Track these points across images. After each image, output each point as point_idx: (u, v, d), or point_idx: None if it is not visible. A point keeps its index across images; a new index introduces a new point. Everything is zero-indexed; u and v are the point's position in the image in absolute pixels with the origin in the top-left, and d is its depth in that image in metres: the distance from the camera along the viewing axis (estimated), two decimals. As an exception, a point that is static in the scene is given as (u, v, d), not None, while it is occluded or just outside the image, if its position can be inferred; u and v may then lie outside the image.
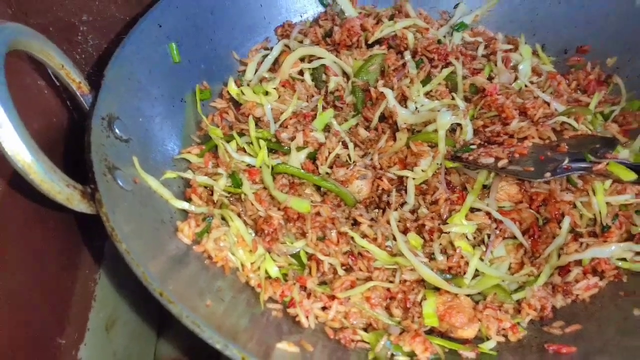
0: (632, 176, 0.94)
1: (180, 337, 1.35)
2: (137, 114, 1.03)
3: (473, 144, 1.12)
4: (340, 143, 1.15)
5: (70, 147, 1.01)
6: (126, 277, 1.20)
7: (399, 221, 1.03)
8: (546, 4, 1.34)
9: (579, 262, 0.98)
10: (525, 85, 1.24)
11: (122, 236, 0.76)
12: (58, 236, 0.99)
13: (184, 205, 0.99)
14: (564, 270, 0.99)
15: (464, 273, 0.95)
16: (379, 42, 1.32)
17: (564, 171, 1.00)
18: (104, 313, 1.13)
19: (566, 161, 1.01)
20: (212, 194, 1.05)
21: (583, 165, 1.00)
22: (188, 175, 1.05)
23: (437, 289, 0.94)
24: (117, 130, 0.94)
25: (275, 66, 1.31)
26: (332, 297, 0.93)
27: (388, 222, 1.00)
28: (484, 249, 0.98)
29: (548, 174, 1.00)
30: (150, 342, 1.35)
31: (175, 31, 1.17)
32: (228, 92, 1.24)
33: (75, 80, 0.93)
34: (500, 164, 1.04)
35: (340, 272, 0.97)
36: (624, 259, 0.98)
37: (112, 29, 1.26)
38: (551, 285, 0.97)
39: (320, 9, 1.41)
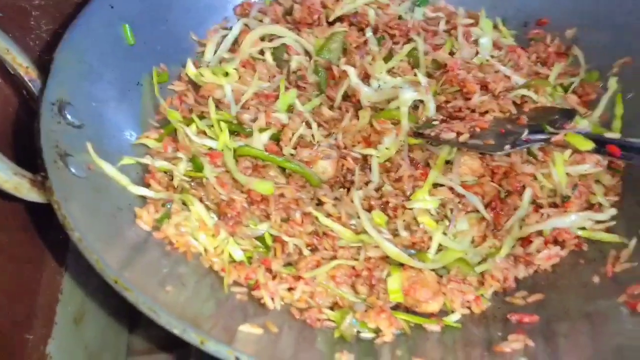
0: (589, 145, 0.95)
1: (153, 328, 1.33)
2: (89, 99, 1.00)
3: (435, 120, 1.12)
4: (304, 123, 1.13)
5: (21, 135, 0.98)
6: (93, 269, 1.19)
7: (364, 199, 1.02)
8: (506, -22, 1.33)
9: (540, 233, 1.00)
10: (487, 60, 1.24)
11: (75, 224, 0.73)
12: (21, 228, 0.96)
13: (143, 191, 0.97)
14: (525, 241, 1.00)
15: (428, 248, 0.96)
16: (340, 19, 1.30)
17: (523, 143, 1.01)
18: (72, 306, 1.11)
19: (525, 133, 1.02)
20: (172, 179, 1.03)
21: (542, 136, 1.01)
22: (146, 160, 1.03)
23: (401, 265, 0.94)
24: (68, 116, 0.91)
25: (235, 46, 1.28)
26: (298, 278, 0.93)
27: (352, 201, 1.00)
28: (448, 224, 0.98)
29: (508, 147, 1.01)
30: (122, 334, 1.33)
31: (128, 12, 1.13)
32: (186, 74, 1.21)
33: (22, 64, 0.90)
34: (462, 138, 1.05)
35: (306, 252, 0.96)
36: (584, 228, 1.00)
37: (66, 13, 1.21)
38: (513, 256, 0.98)
39: (280, -14, 1.39)
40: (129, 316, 1.33)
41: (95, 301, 1.21)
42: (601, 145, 0.95)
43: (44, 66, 0.95)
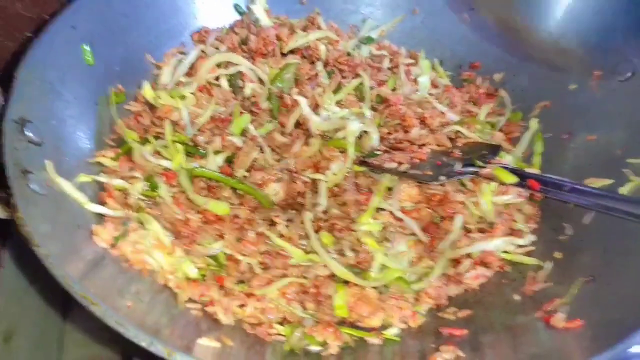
0: (513, 179, 1.08)
1: (84, 348, 1.32)
2: (49, 117, 1.01)
3: (379, 150, 1.23)
4: (257, 147, 1.20)
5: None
6: (28, 285, 1.18)
7: (313, 221, 1.10)
8: (444, 25, 1.47)
9: (469, 255, 1.10)
10: (425, 97, 1.36)
11: (41, 241, 0.76)
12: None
13: (100, 209, 1.00)
14: (456, 262, 1.10)
15: (370, 267, 1.04)
16: (292, 51, 1.38)
17: (456, 174, 1.13)
18: (3, 324, 1.08)
19: (458, 166, 1.14)
20: (127, 198, 1.06)
21: (472, 169, 1.13)
22: (103, 178, 1.05)
23: (346, 283, 1.02)
24: (29, 134, 0.93)
25: (191, 71, 1.33)
26: (249, 295, 0.98)
27: (302, 223, 1.07)
28: (389, 245, 1.07)
29: (443, 177, 1.12)
30: (53, 350, 1.31)
31: (89, 33, 1.15)
32: (143, 95, 1.25)
33: (-17, 81, 0.91)
34: (402, 168, 1.15)
35: (258, 270, 1.02)
36: (507, 252, 1.12)
37: (17, 28, 1.22)
38: (446, 276, 1.08)
39: (236, 16, 1.45)
40: (59, 333, 1.31)
41: (26, 319, 1.17)
42: (523, 179, 1.08)
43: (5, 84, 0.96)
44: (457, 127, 1.26)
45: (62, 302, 1.24)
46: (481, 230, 1.14)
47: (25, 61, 1.00)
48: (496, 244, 1.10)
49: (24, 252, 0.84)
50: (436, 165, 1.17)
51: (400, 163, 1.17)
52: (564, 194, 1.03)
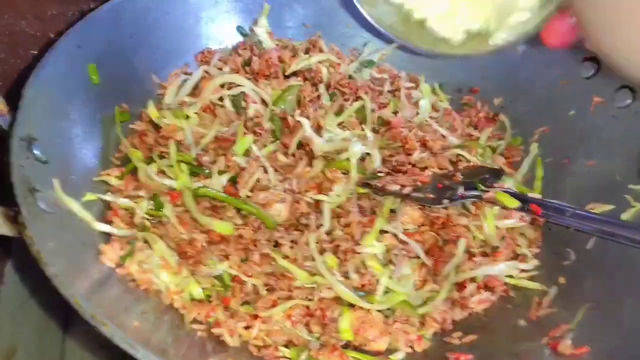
0: (516, 204, 1.09)
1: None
2: (55, 135, 1.01)
3: (381, 172, 1.23)
4: (261, 168, 1.20)
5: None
6: (30, 300, 1.16)
7: (316, 242, 1.09)
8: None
9: (473, 279, 1.10)
10: (426, 120, 1.38)
11: (50, 259, 0.75)
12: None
13: (106, 228, 0.99)
14: (461, 286, 1.10)
15: (375, 290, 1.04)
16: (295, 73, 1.39)
17: (459, 198, 1.14)
18: (5, 341, 1.08)
19: (461, 189, 1.15)
20: (133, 217, 1.05)
21: (475, 193, 1.14)
22: (109, 197, 1.05)
23: (351, 306, 1.01)
24: (36, 152, 0.93)
25: (195, 91, 1.34)
26: (255, 316, 0.98)
27: (307, 244, 1.07)
28: (393, 268, 1.07)
29: (446, 201, 1.13)
30: None
31: (94, 53, 1.16)
32: (148, 114, 1.25)
33: (-8, 99, 0.91)
34: (405, 191, 1.16)
35: (263, 292, 1.01)
36: (511, 276, 1.12)
37: (22, 45, 1.22)
38: (450, 300, 1.08)
39: (239, 38, 1.47)
40: (60, 351, 1.29)
41: (28, 334, 1.17)
42: (525, 203, 1.09)
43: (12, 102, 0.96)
44: (459, 151, 1.28)
45: (63, 318, 1.23)
46: (484, 254, 1.15)
47: (32, 80, 1.00)
48: (500, 268, 1.11)
49: (25, 267, 0.83)
50: (438, 188, 1.17)
51: (402, 185, 1.17)
52: (565, 218, 1.04)
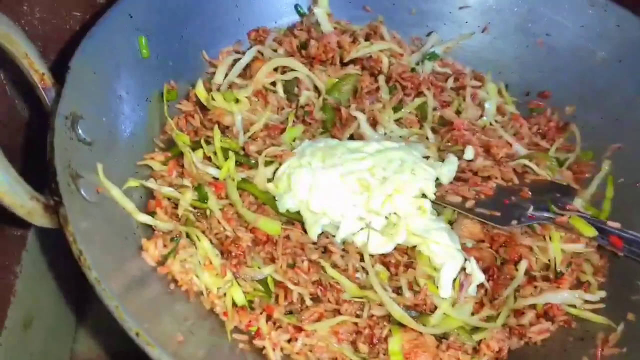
0: (593, 232, 0.99)
1: (98, 335, 1.29)
2: (100, 114, 0.94)
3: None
4: (309, 162, 1.11)
5: (23, 147, 0.91)
6: (49, 270, 1.12)
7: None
8: (514, 47, 1.38)
9: (533, 306, 1.02)
10: (490, 124, 1.27)
11: (93, 262, 0.68)
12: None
13: (148, 219, 0.92)
14: (518, 312, 1.02)
15: (429, 310, 0.96)
16: (353, 61, 1.30)
17: (529, 220, 1.05)
18: (23, 310, 1.04)
19: (531, 209, 1.05)
20: (176, 207, 0.98)
21: (546, 215, 1.05)
22: (152, 184, 0.98)
23: (402, 325, 0.94)
24: (80, 131, 0.85)
25: (245, 72, 1.25)
26: (299, 329, 0.90)
27: (359, 253, 0.98)
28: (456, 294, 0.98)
29: (514, 222, 1.04)
30: (68, 341, 1.27)
31: (145, 24, 1.08)
32: (195, 94, 1.17)
33: (38, 71, 0.83)
34: (468, 204, 1.07)
35: (308, 302, 0.94)
36: (574, 306, 1.03)
37: (63, 4, 1.14)
38: (507, 327, 1.00)
39: (296, 17, 1.37)
40: (75, 321, 1.29)
41: (44, 305, 1.16)
42: (603, 233, 0.99)
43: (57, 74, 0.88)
44: (526, 161, 1.17)
45: (78, 292, 1.21)
46: (545, 279, 1.05)
47: (81, 50, 0.92)
48: (564, 297, 1.02)
49: (47, 234, 0.76)
50: (504, 204, 1.08)
51: (464, 198, 1.08)
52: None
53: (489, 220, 1.04)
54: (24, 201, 0.66)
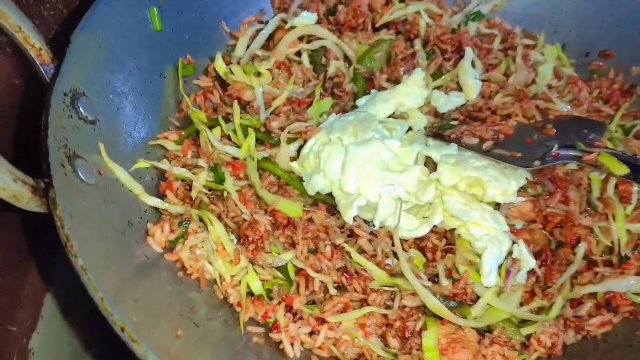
0: (625, 170, 0.88)
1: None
2: (107, 90, 0.88)
3: (455, 120, 1.06)
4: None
5: (21, 128, 0.86)
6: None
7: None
8: (572, 1, 1.22)
9: (594, 295, 0.89)
10: (543, 90, 1.12)
11: (79, 249, 0.62)
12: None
13: (157, 202, 0.86)
14: (575, 302, 0.90)
15: (470, 301, 0.85)
16: (386, 26, 1.19)
17: (554, 159, 0.94)
18: (62, 298, 1.02)
19: (555, 148, 0.94)
20: (189, 190, 0.92)
21: (573, 153, 0.94)
22: (164, 165, 0.91)
23: (439, 318, 0.84)
24: (81, 109, 0.79)
25: (269, 43, 1.16)
26: (322, 321, 0.83)
27: (390, 237, 0.89)
28: (503, 283, 0.87)
29: (537, 162, 0.93)
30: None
31: (157, -7, 1.01)
32: (215, 69, 1.09)
33: (35, 46, 0.78)
34: (486, 146, 0.97)
35: (332, 291, 0.85)
36: (640, 294, 0.89)
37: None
38: (562, 319, 0.88)
39: (324, -19, 1.26)
40: None
41: (86, 292, 1.12)
42: (637, 171, 0.87)
43: (59, 49, 0.82)
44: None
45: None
46: (608, 264, 0.92)
47: (84, 23, 0.86)
48: (630, 284, 0.89)
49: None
50: (526, 144, 0.96)
51: (482, 139, 0.97)
52: None
53: (510, 162, 0.93)
54: (6, 183, 0.61)
